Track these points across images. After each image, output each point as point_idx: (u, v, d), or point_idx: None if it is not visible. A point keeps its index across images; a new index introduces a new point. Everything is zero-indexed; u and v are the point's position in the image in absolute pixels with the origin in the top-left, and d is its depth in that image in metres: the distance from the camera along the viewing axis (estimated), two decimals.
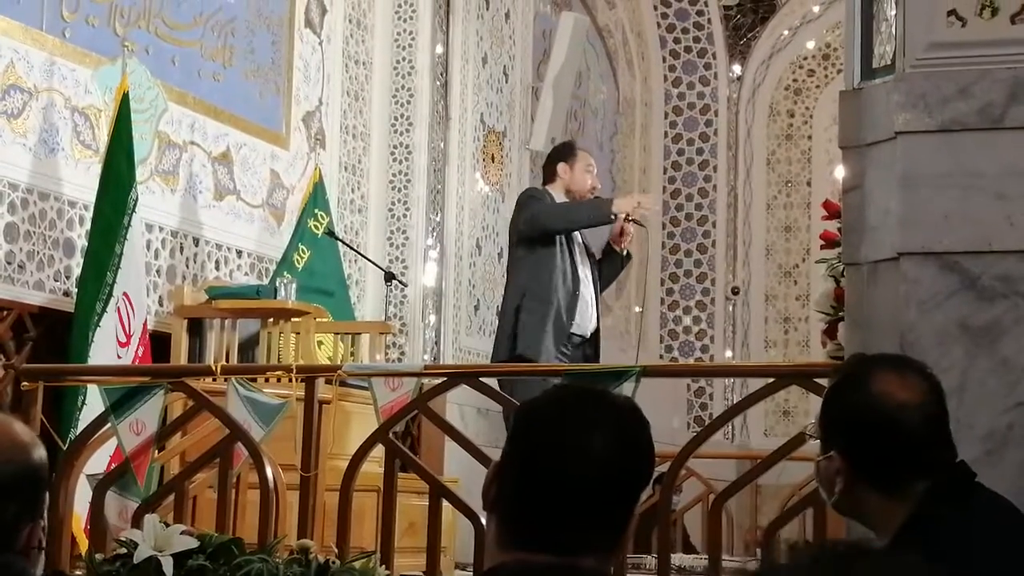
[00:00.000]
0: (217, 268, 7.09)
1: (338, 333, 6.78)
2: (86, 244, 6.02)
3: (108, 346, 5.77)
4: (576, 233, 6.76)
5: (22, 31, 5.98)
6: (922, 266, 3.64)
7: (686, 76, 12.20)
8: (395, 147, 8.40)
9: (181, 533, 4.39)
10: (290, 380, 4.83)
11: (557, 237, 6.63)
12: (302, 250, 7.12)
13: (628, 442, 1.83)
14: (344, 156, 8.12)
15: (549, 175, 6.92)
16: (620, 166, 11.71)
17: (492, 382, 5.08)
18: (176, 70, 6.87)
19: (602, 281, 6.91)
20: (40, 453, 2.28)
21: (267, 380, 5.10)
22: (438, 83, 8.55)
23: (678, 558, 6.79)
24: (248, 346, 6.50)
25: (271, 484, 4.66)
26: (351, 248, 7.73)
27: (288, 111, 7.68)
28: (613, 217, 6.69)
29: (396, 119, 8.42)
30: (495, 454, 1.98)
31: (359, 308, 7.94)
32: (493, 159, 9.14)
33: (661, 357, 11.80)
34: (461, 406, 7.83)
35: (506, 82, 9.35)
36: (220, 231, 7.12)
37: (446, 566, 5.74)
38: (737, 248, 12.20)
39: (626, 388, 4.30)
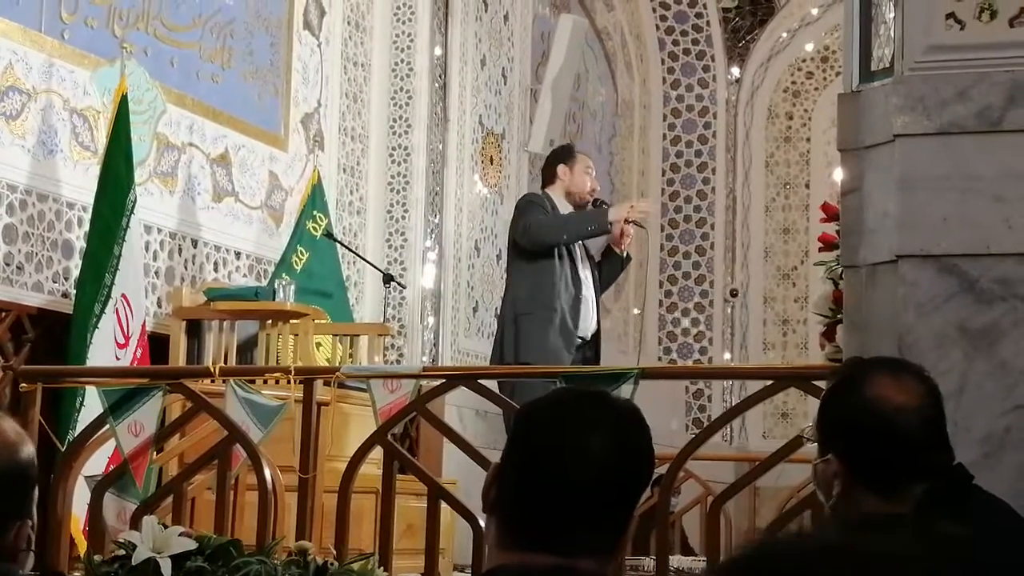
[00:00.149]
0: (215, 270, 7.09)
1: (336, 335, 6.78)
2: (85, 245, 6.02)
3: (106, 347, 5.77)
4: None
5: (21, 32, 5.98)
6: (920, 269, 3.64)
7: (685, 78, 12.20)
8: (394, 149, 8.40)
9: (179, 535, 4.39)
10: (288, 382, 4.83)
11: None
12: (301, 252, 7.11)
13: (628, 444, 1.83)
14: (343, 158, 8.12)
15: (548, 177, 6.93)
16: (619, 168, 11.71)
17: (491, 384, 5.09)
18: (175, 72, 6.87)
19: (602, 283, 6.92)
20: (28, 450, 2.22)
21: (265, 382, 5.10)
22: (437, 85, 8.55)
23: (676, 560, 6.79)
24: (246, 348, 6.50)
25: (269, 486, 4.66)
26: (350, 250, 7.73)
27: (287, 113, 7.68)
28: (611, 226, 6.71)
29: (395, 121, 8.42)
30: (493, 456, 1.98)
31: (358, 310, 7.94)
32: (492, 161, 9.14)
33: (660, 359, 11.80)
34: (459, 408, 7.83)
35: (505, 84, 9.35)
36: (219, 233, 7.12)
37: (444, 568, 5.74)
38: (736, 250, 12.20)
39: (624, 390, 4.30)
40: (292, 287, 6.47)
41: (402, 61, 8.43)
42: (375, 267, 7.79)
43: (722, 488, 5.01)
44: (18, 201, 5.93)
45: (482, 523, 1.91)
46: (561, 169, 6.87)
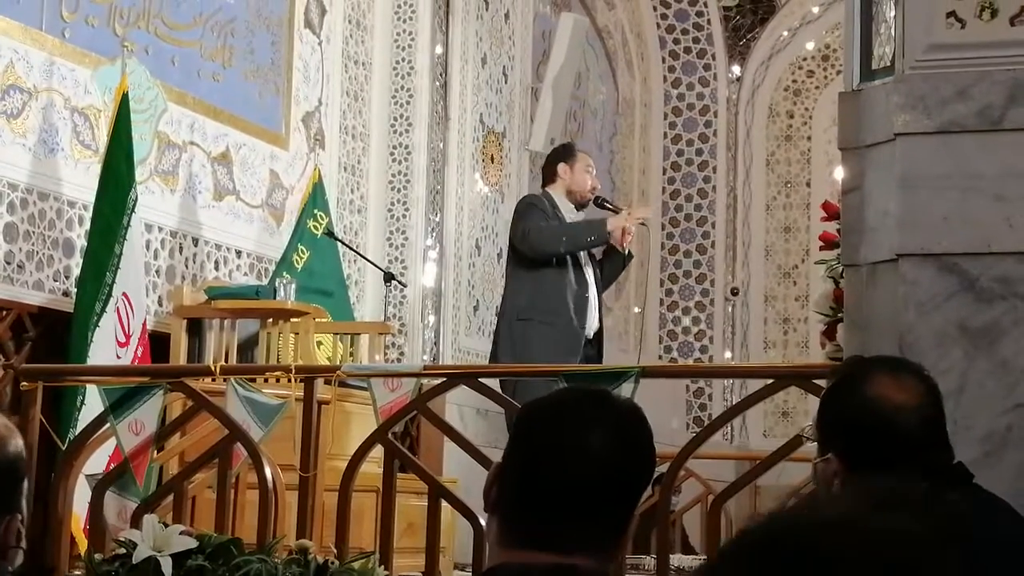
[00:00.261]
0: (216, 268, 7.09)
1: (337, 333, 6.78)
2: (85, 244, 6.02)
3: (107, 346, 5.77)
4: None
5: (22, 31, 5.98)
6: (921, 267, 3.64)
7: (685, 77, 12.20)
8: (394, 147, 8.40)
9: (180, 533, 4.39)
10: (289, 380, 4.83)
11: None
12: (301, 250, 7.12)
13: (629, 443, 1.83)
14: (343, 156, 8.12)
15: (549, 176, 6.94)
16: (619, 167, 11.71)
17: (491, 383, 5.09)
18: (176, 70, 6.88)
19: (604, 281, 6.93)
20: (16, 443, 2.16)
21: (266, 380, 5.11)
22: (437, 84, 8.55)
23: (677, 559, 6.79)
24: (247, 346, 6.50)
25: (270, 484, 4.66)
26: (350, 248, 7.73)
27: (287, 111, 7.68)
28: (609, 236, 6.74)
29: (395, 119, 8.42)
30: (494, 455, 1.98)
31: (358, 308, 7.94)
32: (492, 160, 9.14)
33: (660, 358, 11.79)
34: (460, 406, 7.83)
35: (505, 83, 9.35)
36: (219, 231, 7.12)
37: (445, 566, 5.74)
38: (736, 249, 12.20)
39: (625, 389, 4.31)
40: (293, 286, 6.47)
41: (403, 59, 8.43)
42: (376, 266, 7.79)
43: (723, 487, 5.02)
44: (19, 200, 5.93)
45: (483, 522, 1.91)
46: (562, 168, 6.88)
